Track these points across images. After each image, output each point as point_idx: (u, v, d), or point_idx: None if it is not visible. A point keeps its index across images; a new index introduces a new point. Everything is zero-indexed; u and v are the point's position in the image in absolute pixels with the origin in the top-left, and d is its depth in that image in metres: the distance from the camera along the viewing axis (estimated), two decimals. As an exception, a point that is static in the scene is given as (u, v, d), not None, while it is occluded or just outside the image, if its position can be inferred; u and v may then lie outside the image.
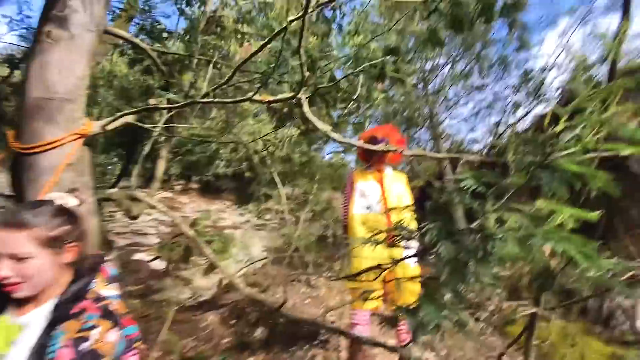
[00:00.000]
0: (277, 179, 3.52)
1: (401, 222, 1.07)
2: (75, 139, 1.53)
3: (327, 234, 5.65)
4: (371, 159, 2.69)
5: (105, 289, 1.07)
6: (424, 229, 0.82)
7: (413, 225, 1.97)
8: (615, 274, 0.95)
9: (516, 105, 8.98)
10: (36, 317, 0.94)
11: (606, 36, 0.79)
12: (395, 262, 1.00)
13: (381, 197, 2.59)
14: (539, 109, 8.76)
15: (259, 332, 2.89)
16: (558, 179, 0.65)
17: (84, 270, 1.06)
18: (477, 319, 3.87)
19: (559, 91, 8.19)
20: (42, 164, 1.44)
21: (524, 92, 8.89)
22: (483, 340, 3.38)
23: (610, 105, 0.80)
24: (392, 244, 1.15)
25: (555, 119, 0.85)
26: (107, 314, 0.98)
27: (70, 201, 1.09)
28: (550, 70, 8.33)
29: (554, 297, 1.41)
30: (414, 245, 2.24)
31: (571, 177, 0.65)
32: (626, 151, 0.77)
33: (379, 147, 1.18)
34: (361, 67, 1.66)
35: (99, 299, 1.01)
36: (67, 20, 1.59)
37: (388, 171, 2.74)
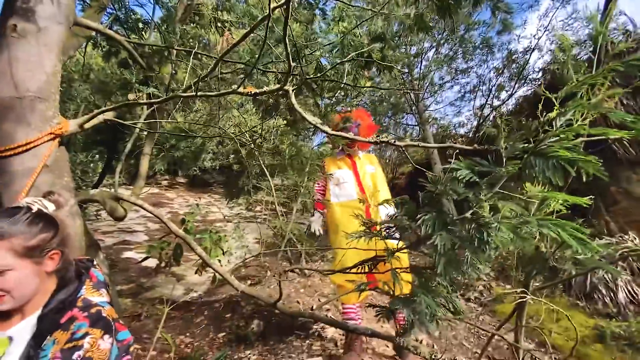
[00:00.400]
0: (266, 172, 3.47)
1: (390, 216, 1.06)
2: (50, 139, 1.46)
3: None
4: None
5: (94, 295, 1.03)
6: (419, 220, 0.81)
7: (390, 207, 1.97)
8: (604, 254, 0.97)
9: (500, 88, 9.08)
10: (23, 330, 0.90)
11: (595, 17, 0.77)
12: (392, 252, 1.00)
13: (356, 183, 2.60)
14: (522, 91, 8.89)
15: (255, 325, 2.89)
16: (552, 166, 0.65)
17: (69, 277, 1.02)
18: (467, 300, 3.98)
19: (541, 73, 8.30)
20: (15, 168, 1.37)
21: (507, 74, 8.98)
22: (474, 319, 3.49)
23: (600, 90, 0.79)
24: (373, 233, 1.14)
25: (541, 102, 0.84)
26: (98, 321, 0.95)
27: (48, 205, 1.04)
28: (532, 52, 8.41)
29: (541, 275, 1.45)
30: (390, 210, 2.26)
31: (565, 163, 0.65)
32: (615, 135, 0.78)
33: (370, 139, 1.15)
34: (349, 56, 1.62)
35: (88, 306, 0.98)
36: (34, 13, 1.49)
37: (359, 154, 2.74)
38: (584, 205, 0.87)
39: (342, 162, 2.71)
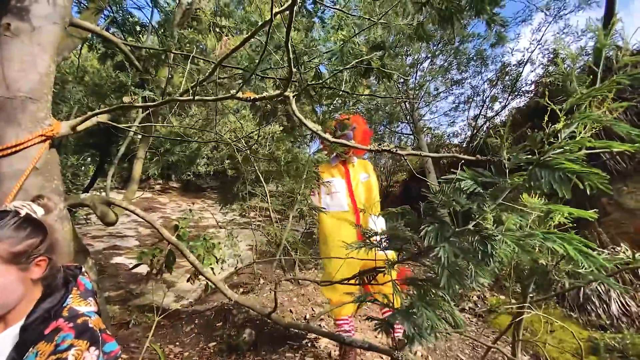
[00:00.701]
0: (261, 178, 3.44)
1: (390, 227, 1.04)
2: (41, 141, 1.42)
3: (313, 230, 5.62)
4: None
5: (81, 305, 0.99)
6: (422, 232, 0.79)
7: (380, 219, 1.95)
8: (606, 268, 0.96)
9: (493, 99, 9.21)
10: (5, 340, 0.86)
11: (600, 30, 0.77)
12: (392, 264, 0.98)
13: (347, 194, 2.55)
14: (515, 103, 9.04)
15: (247, 334, 2.83)
16: (559, 178, 0.64)
17: (55, 285, 0.98)
18: (462, 310, 3.96)
19: (534, 86, 8.46)
20: (4, 170, 1.32)
21: (500, 86, 9.13)
22: (472, 332, 3.46)
23: (602, 102, 0.79)
24: (371, 244, 1.12)
25: (538, 113, 0.84)
26: (84, 333, 0.90)
27: (37, 210, 1.00)
28: (525, 65, 8.57)
29: (540, 288, 1.44)
30: (380, 223, 2.24)
31: (572, 176, 0.64)
32: (619, 148, 0.77)
33: (371, 147, 1.13)
34: (351, 64, 1.61)
35: (74, 316, 0.93)
36: (28, 12, 1.46)
37: (354, 161, 2.69)
38: (577, 217, 0.86)
39: (336, 169, 2.66)
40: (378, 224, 2.21)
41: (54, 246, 0.98)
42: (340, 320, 2.43)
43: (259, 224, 6.07)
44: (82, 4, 2.83)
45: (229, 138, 3.32)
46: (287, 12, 0.92)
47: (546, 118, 0.70)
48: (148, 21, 2.77)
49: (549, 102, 0.79)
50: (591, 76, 0.74)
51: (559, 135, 0.72)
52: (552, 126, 0.71)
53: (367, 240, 1.14)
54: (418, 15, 1.40)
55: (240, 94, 1.21)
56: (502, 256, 0.69)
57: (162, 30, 2.79)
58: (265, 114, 2.37)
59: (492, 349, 2.44)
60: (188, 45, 2.96)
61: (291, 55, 0.98)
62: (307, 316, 3.49)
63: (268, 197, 3.68)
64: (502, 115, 9.07)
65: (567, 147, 0.75)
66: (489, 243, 0.70)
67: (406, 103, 8.39)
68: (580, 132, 0.81)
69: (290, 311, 3.58)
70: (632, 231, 4.75)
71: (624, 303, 3.37)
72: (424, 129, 9.99)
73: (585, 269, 0.76)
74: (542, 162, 0.70)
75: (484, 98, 9.41)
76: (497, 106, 9.25)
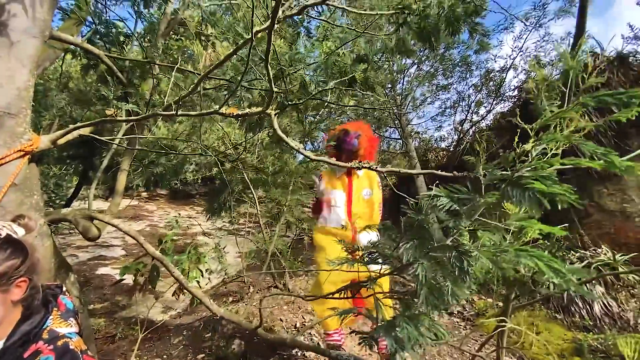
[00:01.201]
0: (250, 185, 3.42)
1: (372, 243, 1.06)
2: (19, 157, 1.39)
3: (303, 237, 5.61)
4: (342, 158, 2.47)
5: (62, 326, 0.97)
6: (401, 247, 0.81)
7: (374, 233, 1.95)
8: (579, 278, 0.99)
9: (478, 103, 9.41)
10: (-17, 364, 0.84)
11: (566, 54, 0.80)
12: (374, 278, 0.99)
13: (346, 211, 2.45)
14: (500, 107, 9.25)
15: (236, 345, 2.80)
16: (529, 197, 0.67)
17: (35, 306, 0.96)
18: (450, 314, 4.00)
19: (517, 91, 8.68)
20: (-20, 188, 1.29)
21: (485, 91, 9.34)
22: (458, 338, 3.50)
23: (572, 122, 0.83)
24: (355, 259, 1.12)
25: (522, 119, 0.87)
26: (64, 355, 0.89)
27: (17, 230, 0.99)
28: (508, 71, 8.80)
29: (522, 297, 1.48)
30: (372, 237, 2.22)
31: (541, 195, 0.67)
32: (587, 165, 0.81)
33: (351, 165, 1.12)
34: (334, 82, 1.63)
35: (55, 338, 0.92)
36: (6, 26, 1.44)
37: (359, 172, 2.53)
38: (560, 219, 0.89)
39: (339, 181, 2.52)
40: (368, 239, 2.19)
41: (35, 266, 0.97)
42: (329, 332, 2.43)
43: (249, 230, 6.02)
44: (64, 13, 2.79)
45: (215, 147, 3.30)
46: (268, 32, 0.93)
47: (516, 139, 0.73)
48: (132, 32, 2.74)
49: (520, 121, 0.83)
50: (559, 95, 0.78)
51: (529, 154, 0.75)
52: (522, 146, 0.74)
53: (357, 255, 1.14)
54: (398, 33, 1.44)
55: (224, 109, 1.21)
56: (477, 273, 0.72)
57: (147, 40, 2.76)
58: (251, 125, 2.37)
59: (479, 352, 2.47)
60: (175, 55, 2.94)
61: (272, 72, 0.99)
62: (297, 324, 3.47)
63: (257, 204, 3.67)
64: (488, 119, 9.28)
65: (538, 166, 0.78)
66: (465, 259, 0.73)
67: (394, 108, 8.50)
68: (552, 149, 0.85)
69: (280, 320, 3.56)
70: (612, 232, 4.89)
71: (606, 304, 3.46)
72: (412, 134, 10.12)
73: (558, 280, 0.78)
74: (513, 180, 0.72)
75: (470, 103, 9.61)
76: (482, 111, 9.46)
